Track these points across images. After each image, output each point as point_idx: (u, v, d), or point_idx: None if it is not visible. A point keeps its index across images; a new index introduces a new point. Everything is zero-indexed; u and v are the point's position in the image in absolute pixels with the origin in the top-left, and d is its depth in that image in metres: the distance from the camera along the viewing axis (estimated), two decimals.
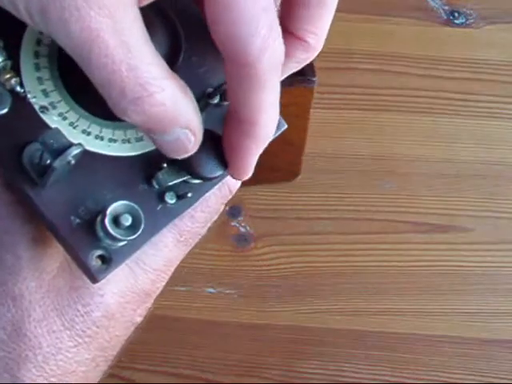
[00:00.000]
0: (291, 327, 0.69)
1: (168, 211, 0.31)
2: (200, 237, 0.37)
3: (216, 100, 0.33)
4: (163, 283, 0.36)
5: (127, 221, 0.29)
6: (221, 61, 0.30)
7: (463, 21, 0.88)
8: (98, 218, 0.30)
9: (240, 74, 0.29)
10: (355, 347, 0.69)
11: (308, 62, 0.33)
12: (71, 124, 0.31)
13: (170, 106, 0.28)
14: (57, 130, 0.29)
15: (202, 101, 0.33)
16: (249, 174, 0.32)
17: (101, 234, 0.30)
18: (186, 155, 0.30)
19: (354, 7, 0.86)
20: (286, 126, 0.36)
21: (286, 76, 0.33)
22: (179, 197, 0.31)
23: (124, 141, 0.32)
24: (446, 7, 0.89)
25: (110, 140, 0.32)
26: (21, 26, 0.31)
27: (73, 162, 0.29)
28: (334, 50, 0.84)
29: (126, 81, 0.26)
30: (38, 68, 0.31)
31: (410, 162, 0.79)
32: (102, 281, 0.32)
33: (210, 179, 0.31)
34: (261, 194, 0.76)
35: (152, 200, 0.31)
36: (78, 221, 0.30)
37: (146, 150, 0.32)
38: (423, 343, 0.69)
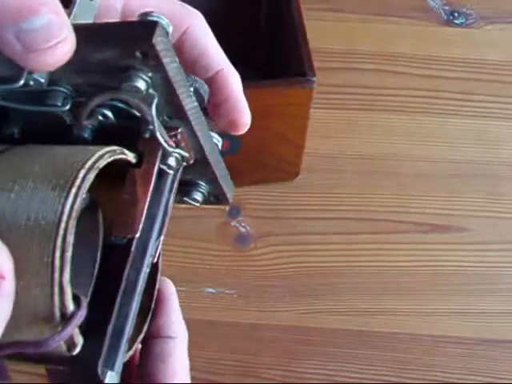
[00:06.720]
0: (291, 327, 0.69)
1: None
2: None
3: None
4: None
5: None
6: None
7: (463, 21, 0.89)
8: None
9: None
10: (355, 347, 0.69)
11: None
12: None
13: None
14: None
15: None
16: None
17: None
18: (56, 53, 0.27)
19: (354, 7, 0.86)
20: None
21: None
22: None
23: None
24: (446, 7, 0.89)
25: None
26: None
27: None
28: (334, 50, 0.84)
29: None
30: None
31: (410, 162, 0.79)
32: None
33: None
34: (261, 194, 0.76)
35: None
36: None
37: None
38: (423, 343, 0.69)
